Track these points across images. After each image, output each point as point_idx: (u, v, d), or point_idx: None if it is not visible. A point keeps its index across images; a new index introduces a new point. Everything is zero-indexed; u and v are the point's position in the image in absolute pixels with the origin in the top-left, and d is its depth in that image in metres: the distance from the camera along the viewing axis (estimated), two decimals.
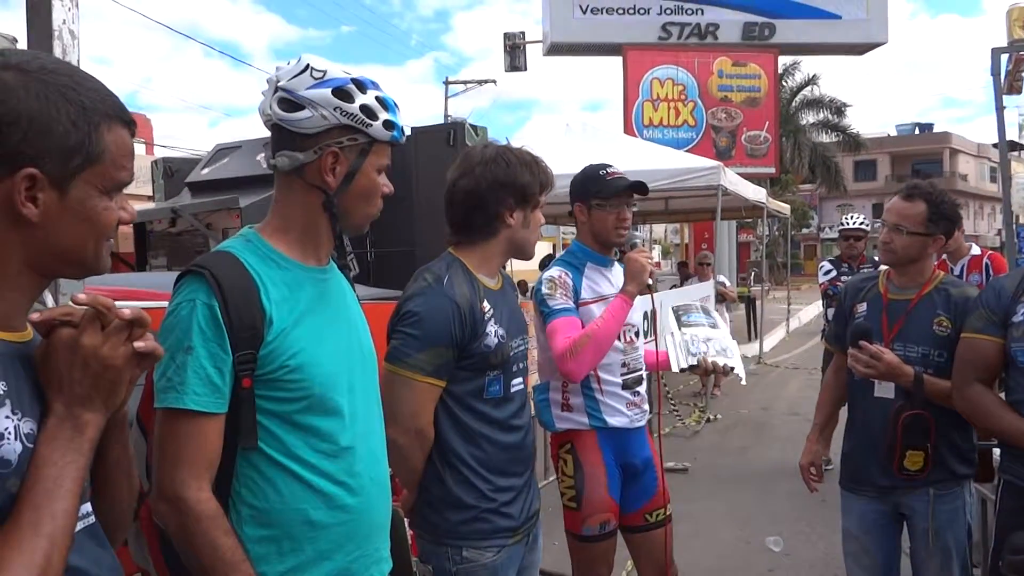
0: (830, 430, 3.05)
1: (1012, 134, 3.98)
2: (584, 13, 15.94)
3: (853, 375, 2.77)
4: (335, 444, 1.51)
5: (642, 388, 2.89)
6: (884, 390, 2.71)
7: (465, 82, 30.00)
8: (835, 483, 2.93)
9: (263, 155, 6.29)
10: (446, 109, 29.02)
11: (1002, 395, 2.48)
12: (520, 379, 2.21)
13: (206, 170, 7.42)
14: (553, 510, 2.90)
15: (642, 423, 2.87)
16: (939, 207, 2.72)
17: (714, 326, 3.07)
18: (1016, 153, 4.24)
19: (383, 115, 1.53)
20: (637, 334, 2.90)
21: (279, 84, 1.51)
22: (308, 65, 1.50)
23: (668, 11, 16.08)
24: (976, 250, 5.27)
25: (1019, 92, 3.67)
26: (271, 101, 1.51)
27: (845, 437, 2.90)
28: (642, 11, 16.03)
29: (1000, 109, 3.62)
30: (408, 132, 5.57)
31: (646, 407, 2.90)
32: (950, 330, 2.62)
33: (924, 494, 2.65)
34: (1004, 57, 3.66)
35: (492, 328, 2.09)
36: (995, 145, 3.91)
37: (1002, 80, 3.63)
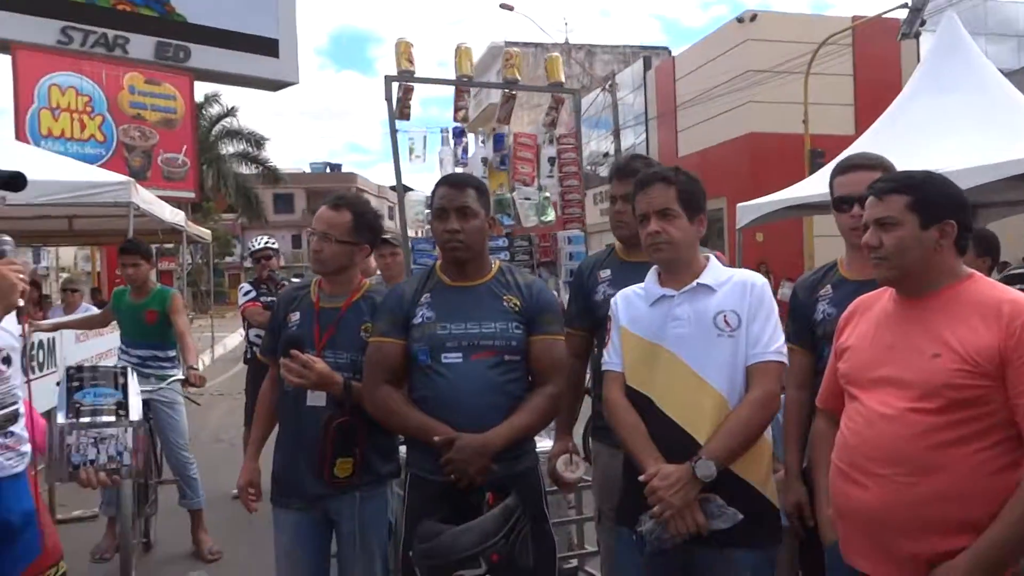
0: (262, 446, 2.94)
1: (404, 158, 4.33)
2: None
3: (286, 386, 2.69)
4: None
5: (18, 427, 2.28)
6: (316, 399, 2.67)
7: None
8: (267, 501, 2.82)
9: None
10: None
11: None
12: None
13: None
14: None
15: (19, 468, 2.27)
16: (363, 217, 2.82)
17: (118, 409, 2.51)
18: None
19: None
20: (7, 360, 2.27)
21: None
22: None
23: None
24: None
25: (408, 119, 4.11)
26: None
27: (276, 452, 2.81)
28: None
29: (394, 132, 4.04)
30: None
31: (25, 448, 2.33)
32: None
33: (352, 498, 2.68)
34: (395, 85, 4.05)
35: None
36: (392, 188, 4.32)
37: (394, 106, 4.04)
